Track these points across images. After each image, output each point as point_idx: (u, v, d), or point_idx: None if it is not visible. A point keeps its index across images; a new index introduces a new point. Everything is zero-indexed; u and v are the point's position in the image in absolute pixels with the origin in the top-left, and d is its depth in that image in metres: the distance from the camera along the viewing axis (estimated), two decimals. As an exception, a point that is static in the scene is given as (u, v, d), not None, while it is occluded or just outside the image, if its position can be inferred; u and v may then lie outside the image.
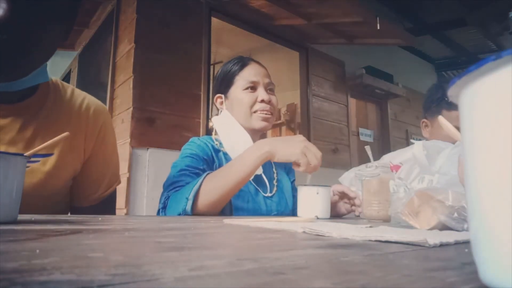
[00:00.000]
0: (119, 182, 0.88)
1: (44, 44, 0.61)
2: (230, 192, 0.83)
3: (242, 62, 1.07)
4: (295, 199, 1.02)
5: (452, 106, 1.18)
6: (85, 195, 0.82)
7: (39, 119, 0.70)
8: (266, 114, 1.03)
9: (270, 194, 1.03)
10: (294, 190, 1.10)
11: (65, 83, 0.80)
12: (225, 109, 1.07)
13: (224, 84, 1.07)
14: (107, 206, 0.85)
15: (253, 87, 1.03)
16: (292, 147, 0.82)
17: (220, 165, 0.99)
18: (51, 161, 0.71)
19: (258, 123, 1.02)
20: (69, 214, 0.86)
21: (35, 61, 0.63)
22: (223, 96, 1.08)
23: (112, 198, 0.86)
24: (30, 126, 0.69)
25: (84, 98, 0.81)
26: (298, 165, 0.82)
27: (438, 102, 1.24)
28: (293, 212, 1.06)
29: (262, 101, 1.02)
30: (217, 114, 1.11)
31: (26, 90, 0.68)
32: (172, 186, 0.87)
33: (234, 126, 1.03)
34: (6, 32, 0.54)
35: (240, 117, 1.03)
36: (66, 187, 0.78)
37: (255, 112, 1.02)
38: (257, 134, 1.07)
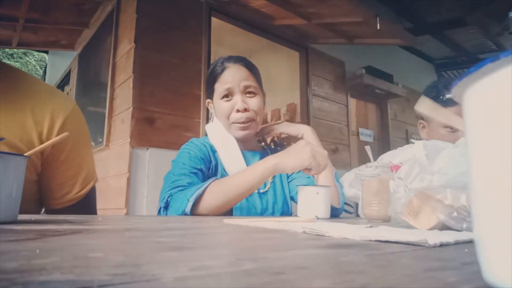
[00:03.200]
0: (96, 180, 0.83)
1: None
2: (232, 202, 0.85)
3: (221, 67, 1.02)
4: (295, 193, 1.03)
5: (447, 104, 1.18)
6: (59, 195, 0.76)
7: None
8: (243, 124, 1.00)
9: (262, 191, 1.03)
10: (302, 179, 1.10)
11: (27, 72, 0.72)
12: (215, 115, 1.07)
13: (209, 90, 1.07)
14: (85, 207, 0.80)
15: (229, 95, 1.01)
16: (300, 155, 0.83)
17: (217, 165, 1.01)
18: None
19: (236, 133, 1.02)
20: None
21: None
22: (211, 101, 1.08)
23: (90, 198, 0.81)
24: None
25: (50, 86, 0.75)
26: (309, 169, 0.83)
27: (433, 100, 1.25)
28: (288, 209, 1.07)
29: (238, 110, 0.99)
30: (211, 119, 1.11)
31: None
32: (173, 184, 0.88)
33: (221, 132, 1.04)
34: None
35: (223, 125, 1.04)
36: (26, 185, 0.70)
37: (233, 122, 1.01)
38: (247, 139, 1.05)
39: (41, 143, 0.69)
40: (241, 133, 1.01)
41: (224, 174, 0.99)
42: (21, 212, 0.46)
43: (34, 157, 0.69)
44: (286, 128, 1.12)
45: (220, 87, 1.01)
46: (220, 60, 1.05)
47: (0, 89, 0.67)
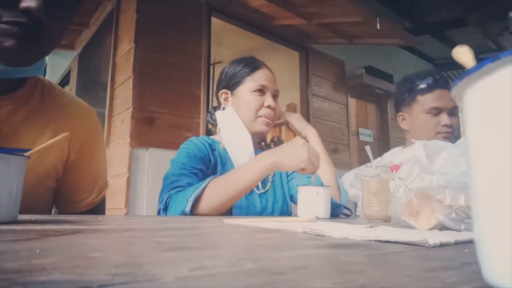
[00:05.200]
0: (107, 187, 0.88)
1: (52, 32, 0.61)
2: (232, 200, 0.85)
3: (255, 64, 1.09)
4: (294, 193, 1.05)
5: (425, 90, 1.23)
6: (79, 199, 0.80)
7: (22, 113, 0.67)
8: (269, 120, 1.06)
9: (263, 191, 1.04)
10: (297, 179, 1.12)
11: (53, 83, 0.78)
12: (230, 105, 1.08)
13: (232, 82, 1.09)
14: (99, 212, 0.84)
15: (261, 91, 1.06)
16: (298, 155, 0.84)
17: (216, 164, 1.02)
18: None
19: (260, 127, 1.06)
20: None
21: (45, 49, 0.63)
22: (229, 92, 1.09)
23: (103, 203, 0.86)
24: (12, 120, 0.65)
25: (73, 99, 0.79)
26: (304, 169, 0.85)
27: (410, 91, 1.30)
28: (288, 208, 1.08)
29: (269, 106, 1.05)
30: (221, 109, 1.11)
31: (14, 82, 0.66)
32: (172, 185, 0.88)
33: (237, 123, 1.05)
34: (35, 20, 0.55)
35: (244, 117, 1.05)
36: (43, 187, 0.73)
37: (260, 116, 1.05)
38: (257, 136, 1.10)
39: (68, 157, 0.75)
40: (265, 128, 1.06)
41: (223, 173, 0.99)
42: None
43: (59, 163, 0.74)
44: (295, 122, 1.19)
45: (254, 81, 1.06)
46: (247, 59, 1.11)
47: (36, 105, 0.70)
